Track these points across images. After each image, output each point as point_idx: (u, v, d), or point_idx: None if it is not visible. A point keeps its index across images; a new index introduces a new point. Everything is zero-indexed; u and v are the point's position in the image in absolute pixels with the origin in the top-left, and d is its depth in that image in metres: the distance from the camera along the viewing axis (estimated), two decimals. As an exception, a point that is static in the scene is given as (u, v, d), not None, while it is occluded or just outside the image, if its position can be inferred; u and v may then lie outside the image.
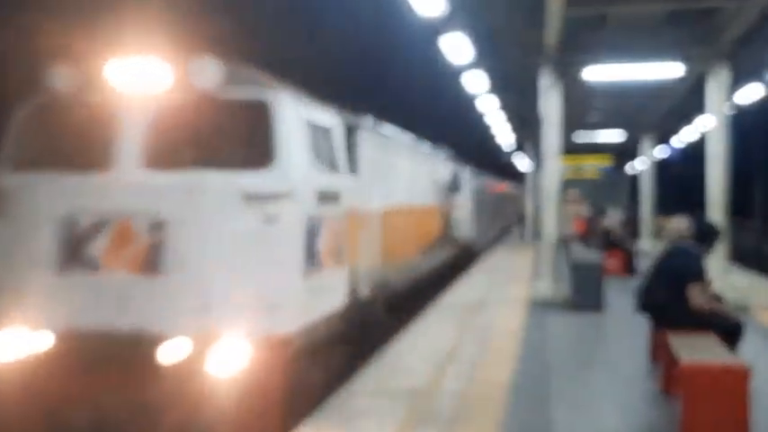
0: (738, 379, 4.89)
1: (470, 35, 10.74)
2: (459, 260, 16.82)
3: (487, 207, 23.92)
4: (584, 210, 14.94)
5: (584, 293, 10.56)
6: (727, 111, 10.79)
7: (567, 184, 18.77)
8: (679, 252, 6.35)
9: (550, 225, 11.66)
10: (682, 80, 13.59)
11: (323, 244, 6.26)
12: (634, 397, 6.12)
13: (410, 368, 6.94)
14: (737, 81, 12.88)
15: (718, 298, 6.50)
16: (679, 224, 6.53)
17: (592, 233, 14.92)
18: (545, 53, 10.96)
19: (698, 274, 6.11)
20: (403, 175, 10.76)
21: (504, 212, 33.51)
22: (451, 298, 11.80)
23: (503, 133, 26.83)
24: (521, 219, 29.68)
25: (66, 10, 17.85)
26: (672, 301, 6.19)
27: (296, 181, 5.73)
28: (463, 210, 17.03)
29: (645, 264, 6.92)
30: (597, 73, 11.93)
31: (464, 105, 21.35)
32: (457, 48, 11.23)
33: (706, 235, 6.46)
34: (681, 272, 6.15)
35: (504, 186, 34.71)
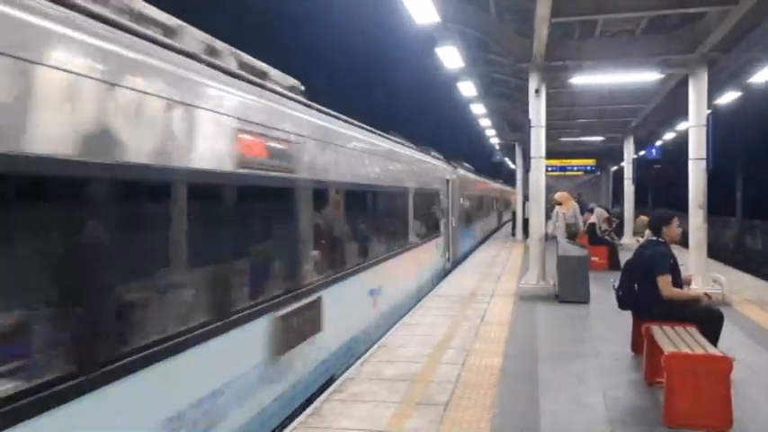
0: (720, 368, 4.78)
1: (460, 44, 10.52)
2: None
3: None
4: (570, 212, 14.30)
5: (571, 286, 10.40)
6: (706, 112, 10.60)
7: (555, 184, 18.56)
8: (647, 246, 6.27)
9: (538, 222, 11.49)
10: (664, 83, 13.42)
11: None
12: (617, 384, 5.96)
13: (407, 354, 6.81)
14: (719, 84, 12.72)
15: (708, 295, 6.36)
16: (644, 221, 6.43)
17: (573, 236, 14.58)
18: (533, 60, 10.78)
19: (663, 266, 5.95)
20: None
21: None
22: (446, 289, 11.69)
23: (494, 135, 26.66)
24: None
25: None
26: (645, 293, 6.08)
27: None
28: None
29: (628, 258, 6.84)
30: (583, 78, 11.74)
31: (459, 109, 20.88)
32: (448, 57, 11.01)
33: (655, 223, 6.33)
34: (648, 265, 6.04)
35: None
